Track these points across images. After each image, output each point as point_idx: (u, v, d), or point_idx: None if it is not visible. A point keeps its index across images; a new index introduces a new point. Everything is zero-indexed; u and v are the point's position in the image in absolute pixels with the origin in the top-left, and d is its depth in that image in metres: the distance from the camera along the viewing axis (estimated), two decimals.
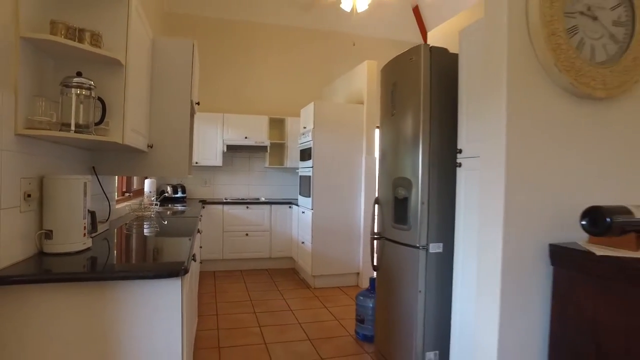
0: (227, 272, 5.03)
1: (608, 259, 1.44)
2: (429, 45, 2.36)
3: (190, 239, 2.17)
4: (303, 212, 4.63)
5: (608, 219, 1.50)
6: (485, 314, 1.75)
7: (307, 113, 4.52)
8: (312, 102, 4.36)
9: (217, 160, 5.27)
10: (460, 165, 2.14)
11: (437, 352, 2.32)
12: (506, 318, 1.68)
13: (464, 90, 2.15)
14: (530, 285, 1.70)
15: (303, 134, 4.72)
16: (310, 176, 4.36)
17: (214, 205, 4.98)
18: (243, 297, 4.03)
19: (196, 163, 5.08)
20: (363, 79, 4.52)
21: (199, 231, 3.14)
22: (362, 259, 4.39)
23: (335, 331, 3.23)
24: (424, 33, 6.55)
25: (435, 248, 2.28)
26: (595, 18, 1.78)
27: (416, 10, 6.49)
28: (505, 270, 1.67)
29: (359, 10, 4.59)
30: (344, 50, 6.18)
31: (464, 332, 2.12)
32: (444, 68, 2.32)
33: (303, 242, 4.60)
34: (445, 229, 2.27)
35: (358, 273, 4.50)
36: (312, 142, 4.32)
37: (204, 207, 4.80)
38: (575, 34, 1.74)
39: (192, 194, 5.48)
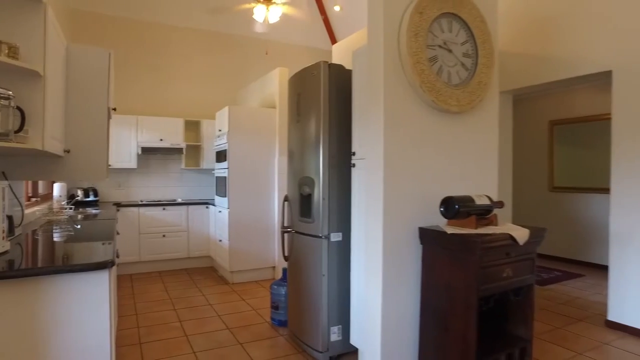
0: (145, 274, 5.04)
1: (455, 236, 1.91)
2: (327, 62, 2.74)
3: (111, 239, 2.31)
4: (220, 212, 4.82)
5: (457, 206, 1.98)
6: (372, 286, 2.16)
7: (222, 116, 4.72)
8: (227, 107, 4.57)
9: (132, 163, 5.24)
10: (354, 165, 2.55)
11: (340, 326, 2.72)
12: (387, 288, 2.10)
13: (355, 103, 2.56)
14: (405, 261, 2.15)
15: (218, 137, 4.90)
16: (226, 177, 4.57)
17: (129, 208, 4.96)
18: (162, 297, 4.13)
19: (109, 166, 5.01)
20: (275, 85, 4.83)
21: (117, 233, 3.22)
22: (277, 254, 4.71)
23: (253, 319, 3.50)
24: (334, 41, 7.05)
25: (336, 237, 2.68)
26: (450, 50, 2.28)
27: (326, 20, 6.96)
28: (386, 250, 2.09)
29: (271, 22, 4.89)
30: (259, 55, 6.44)
31: (361, 307, 2.53)
32: (341, 82, 2.71)
33: (220, 240, 4.79)
34: (343, 221, 2.68)
35: (274, 267, 4.81)
36: (227, 144, 4.53)
37: (118, 210, 4.76)
38: (436, 62, 2.22)
39: (105, 197, 5.37)
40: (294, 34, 6.70)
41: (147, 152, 5.31)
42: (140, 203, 5.08)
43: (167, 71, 5.83)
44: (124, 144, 5.17)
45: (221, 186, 4.77)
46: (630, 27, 3.20)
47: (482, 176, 2.45)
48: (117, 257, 2.19)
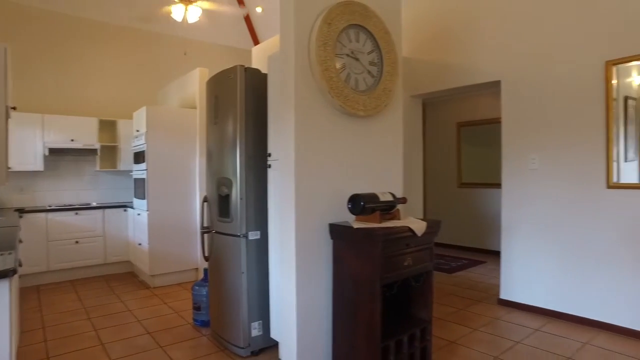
0: (54, 285, 4.72)
1: (360, 230, 2.09)
2: (244, 66, 2.81)
3: (11, 248, 2.19)
4: (139, 214, 4.66)
5: (362, 203, 2.16)
6: (287, 281, 2.28)
7: (140, 116, 4.57)
8: (145, 107, 4.44)
9: (37, 165, 4.87)
10: (270, 166, 2.65)
11: (260, 321, 2.81)
12: (301, 282, 2.23)
13: (271, 106, 2.66)
14: (317, 255, 2.29)
15: (136, 137, 4.74)
16: (144, 178, 4.44)
17: (35, 214, 4.61)
18: (75, 307, 3.92)
19: (9, 169, 4.62)
20: (196, 85, 4.77)
21: (20, 241, 3.01)
22: (200, 255, 4.67)
23: (175, 322, 3.47)
24: (256, 42, 7.08)
25: (254, 235, 2.76)
26: (357, 59, 2.46)
27: (248, 21, 6.97)
28: (299, 245, 2.21)
29: (190, 21, 4.82)
30: (179, 54, 6.29)
31: (279, 301, 2.64)
32: (257, 85, 2.80)
33: (140, 244, 4.64)
34: (261, 219, 2.77)
35: (197, 268, 4.76)
36: (145, 145, 4.41)
37: (21, 217, 4.42)
38: (344, 70, 2.39)
39: (4, 203, 4.93)
40: (216, 34, 6.64)
41: (56, 154, 4.97)
42: (48, 208, 4.75)
43: (80, 67, 5.49)
44: (28, 145, 4.79)
45: (140, 188, 4.62)
46: (514, 43, 3.65)
47: (389, 174, 2.68)
48: (20, 265, 2.09)
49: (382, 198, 2.25)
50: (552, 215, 3.44)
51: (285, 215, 2.28)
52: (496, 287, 4.24)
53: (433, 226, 2.29)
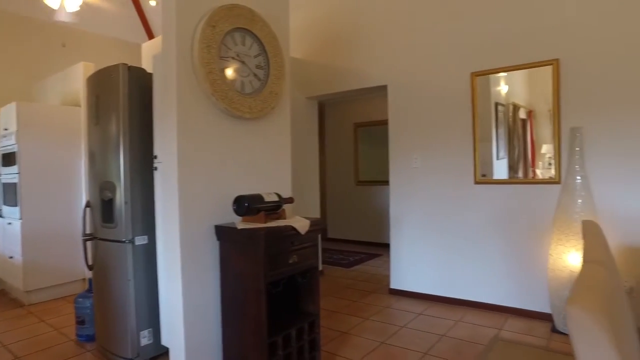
0: None
1: (244, 230, 2.13)
2: (127, 64, 2.68)
3: None
4: (9, 224, 4.18)
5: (246, 204, 2.20)
6: (173, 284, 2.24)
7: (9, 114, 4.10)
8: (15, 102, 4.00)
9: None
10: (156, 168, 2.57)
11: (150, 329, 2.71)
12: (188, 285, 2.21)
13: (156, 107, 2.58)
14: (204, 257, 2.28)
15: (5, 137, 4.24)
16: (16, 183, 4.00)
17: None
18: None
19: None
20: (80, 81, 4.41)
21: None
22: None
23: (54, 341, 3.18)
24: (151, 36, 6.72)
25: (141, 240, 2.66)
26: (243, 62, 2.49)
27: (142, 14, 6.59)
28: (184, 248, 2.19)
29: (68, 10, 4.43)
30: (58, 44, 5.73)
31: (168, 307, 2.57)
32: (143, 85, 2.69)
33: (11, 257, 4.16)
34: (148, 223, 2.67)
35: (84, 279, 4.41)
36: (16, 145, 3.97)
37: None
38: (229, 72, 2.41)
39: None
40: (103, 24, 6.17)
41: None
42: None
43: None
44: None
45: (10, 194, 4.14)
46: (399, 51, 3.97)
47: (277, 175, 2.75)
48: None
49: (267, 199, 2.31)
50: (433, 209, 3.81)
51: (169, 218, 2.23)
52: (388, 278, 4.57)
53: (316, 224, 2.41)
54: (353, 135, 6.89)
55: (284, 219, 2.40)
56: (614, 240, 2.88)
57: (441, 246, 3.77)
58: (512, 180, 3.40)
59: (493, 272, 3.49)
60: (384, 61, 4.07)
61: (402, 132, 3.99)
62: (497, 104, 3.42)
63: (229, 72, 2.40)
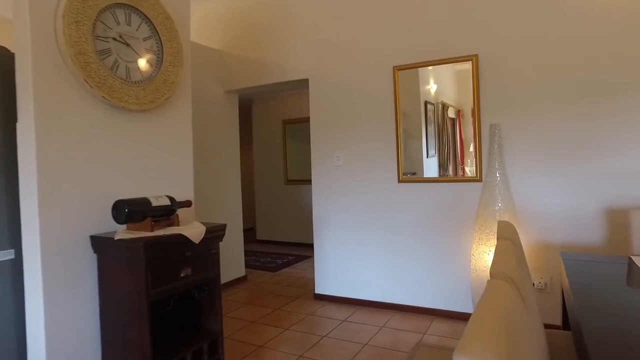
0: None
1: (122, 241, 1.79)
2: None
3: None
4: None
5: (127, 209, 1.86)
6: (33, 308, 1.85)
7: None
8: None
9: None
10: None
11: None
12: (54, 307, 1.82)
13: (19, 92, 2.15)
14: (78, 274, 1.91)
15: None
16: None
17: None
18: None
19: None
20: None
21: None
22: None
23: None
24: None
25: (5, 255, 2.21)
26: (128, 44, 2.14)
27: None
28: (48, 264, 1.81)
29: None
30: None
31: (32, 339, 2.16)
32: (8, 70, 2.23)
33: None
34: (15, 235, 2.23)
35: None
36: None
37: None
38: (109, 55, 2.04)
39: None
40: None
41: None
42: None
43: None
44: None
45: None
46: (321, 42, 3.76)
47: (175, 175, 2.42)
48: None
49: (156, 203, 1.99)
50: (356, 209, 3.64)
51: (27, 229, 1.84)
52: (314, 282, 4.37)
53: (215, 230, 2.13)
54: (282, 133, 6.63)
55: (177, 225, 2.08)
56: (531, 237, 2.86)
57: (365, 248, 3.62)
58: (436, 178, 3.32)
59: (418, 274, 3.39)
60: (305, 54, 3.85)
61: (324, 129, 3.79)
62: (426, 103, 3.35)
63: (110, 56, 2.04)
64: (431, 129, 3.34)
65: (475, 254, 2.91)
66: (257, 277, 4.77)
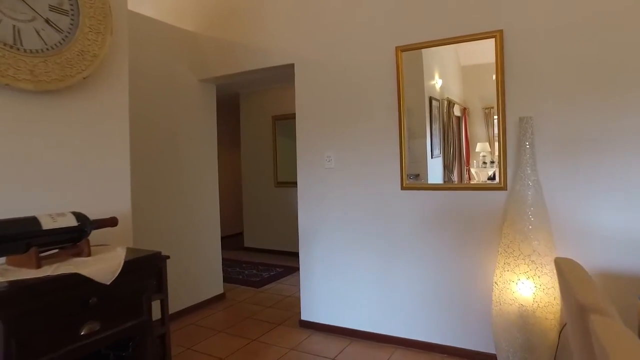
0: None
1: None
2: None
3: None
4: None
5: None
6: None
7: None
8: None
9: None
10: None
11: None
12: None
13: None
14: None
15: None
16: None
17: None
18: None
19: None
20: None
21: None
22: None
23: None
24: None
25: None
26: None
27: None
28: None
29: None
30: None
31: None
32: None
33: None
34: None
35: None
36: None
37: None
38: None
39: None
40: None
41: None
42: None
43: None
44: None
45: None
46: (309, 20, 3.13)
47: (100, 181, 1.79)
48: None
49: (50, 224, 1.36)
50: (351, 221, 3.01)
51: None
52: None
53: (142, 262, 1.49)
54: (272, 130, 6.00)
55: (87, 255, 1.45)
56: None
57: (360, 269, 2.98)
58: (447, 186, 2.70)
59: (424, 302, 2.76)
60: (290, 35, 3.22)
61: (312, 124, 3.16)
62: (431, 99, 2.86)
63: None
64: (436, 126, 2.87)
65: (499, 283, 2.28)
66: (237, 295, 4.14)
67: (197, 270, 3.72)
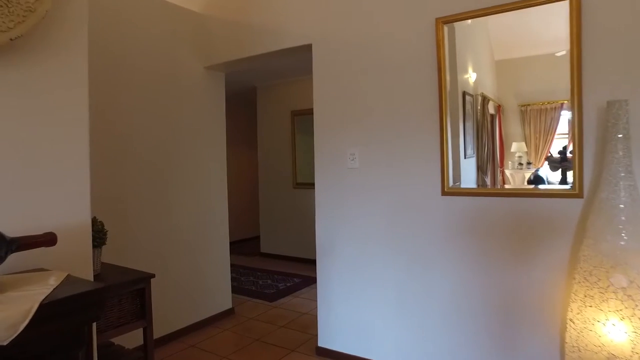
0: None
1: None
2: None
3: None
4: None
5: None
6: None
7: None
8: None
9: None
10: None
11: None
12: None
13: None
14: None
15: None
16: None
17: None
18: None
19: None
20: None
21: None
22: None
23: None
24: None
25: None
26: None
27: None
28: None
29: None
30: None
31: None
32: None
33: None
34: None
35: None
36: None
37: None
38: None
39: None
40: None
41: None
42: None
43: None
44: None
45: None
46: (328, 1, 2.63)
47: (38, 174, 1.34)
48: None
49: None
50: (377, 234, 2.49)
51: None
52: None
53: (70, 303, 1.02)
54: (291, 127, 5.52)
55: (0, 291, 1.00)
56: None
57: (388, 292, 2.46)
58: (500, 191, 2.16)
59: (467, 338, 2.21)
60: (307, 10, 2.73)
61: (332, 116, 2.67)
62: (465, 93, 2.49)
63: None
64: (469, 124, 2.54)
65: (575, 321, 1.72)
66: (247, 311, 3.67)
67: (201, 283, 3.28)
